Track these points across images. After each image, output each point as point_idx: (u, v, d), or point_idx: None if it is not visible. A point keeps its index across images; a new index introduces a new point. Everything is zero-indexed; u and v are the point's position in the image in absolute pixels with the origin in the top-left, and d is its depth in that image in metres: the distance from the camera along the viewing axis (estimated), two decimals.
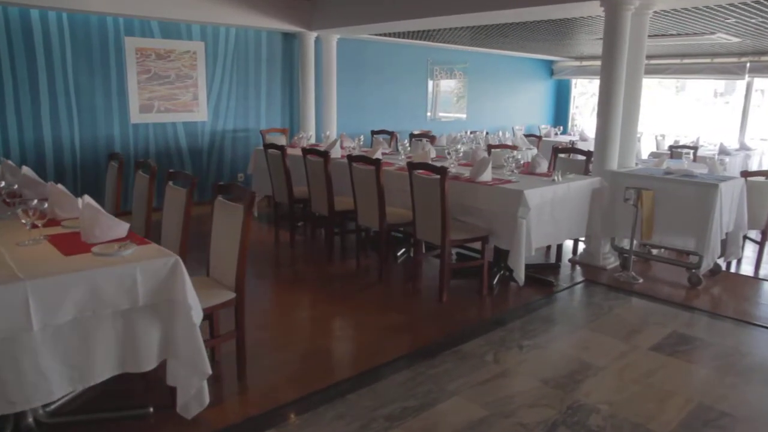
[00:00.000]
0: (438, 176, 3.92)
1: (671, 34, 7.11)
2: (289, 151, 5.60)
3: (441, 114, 10.63)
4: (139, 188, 4.06)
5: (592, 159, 5.10)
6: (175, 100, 7.00)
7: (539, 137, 9.17)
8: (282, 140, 7.47)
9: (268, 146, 5.50)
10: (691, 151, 7.44)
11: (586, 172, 5.24)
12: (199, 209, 7.27)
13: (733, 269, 5.16)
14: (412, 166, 4.16)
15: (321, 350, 3.42)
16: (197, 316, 2.40)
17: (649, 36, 7.40)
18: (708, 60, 9.56)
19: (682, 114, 17.11)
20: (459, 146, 5.22)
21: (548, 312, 4.01)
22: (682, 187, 4.53)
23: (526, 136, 9.56)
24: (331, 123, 8.18)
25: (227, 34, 7.31)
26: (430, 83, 10.05)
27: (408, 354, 3.33)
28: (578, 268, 5.04)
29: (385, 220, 4.46)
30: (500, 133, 8.48)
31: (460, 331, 3.64)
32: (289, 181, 5.35)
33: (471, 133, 9.05)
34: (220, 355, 3.23)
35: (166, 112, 6.95)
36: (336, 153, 5.72)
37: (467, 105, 10.77)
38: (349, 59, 8.66)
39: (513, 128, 11.13)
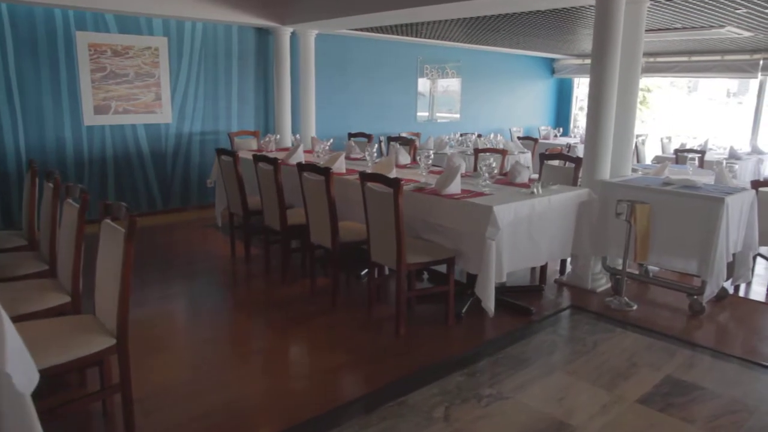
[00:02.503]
0: (391, 189, 3.35)
1: (675, 28, 6.48)
2: (242, 155, 5.06)
3: (439, 115, 10.06)
4: (45, 205, 3.52)
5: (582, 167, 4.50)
6: (135, 101, 6.47)
7: (535, 140, 8.56)
8: (253, 144, 6.93)
9: (220, 152, 4.95)
10: (698, 156, 6.79)
11: (575, 182, 4.64)
12: (157, 219, 6.84)
13: (742, 292, 4.53)
14: (364, 176, 3.59)
15: (239, 401, 2.85)
16: (26, 382, 1.84)
17: (651, 30, 6.81)
18: (718, 57, 8.89)
19: (694, 115, 16.40)
20: (430, 151, 4.63)
21: (521, 349, 3.42)
22: (683, 200, 3.92)
23: (523, 138, 8.96)
24: (309, 125, 7.63)
25: (193, 29, 6.78)
26: (420, 82, 9.47)
27: (342, 406, 2.76)
28: (565, 290, 4.44)
29: (337, 238, 3.90)
30: (492, 136, 7.88)
31: (410, 376, 3.06)
32: (243, 191, 4.80)
33: (461, 135, 8.46)
34: (113, 406, 2.68)
35: (125, 114, 6.43)
36: (297, 159, 5.16)
37: (461, 106, 10.17)
38: (330, 57, 8.11)
39: (510, 130, 10.52)
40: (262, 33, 7.39)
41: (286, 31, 7.22)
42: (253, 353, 3.42)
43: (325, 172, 3.77)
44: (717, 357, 3.38)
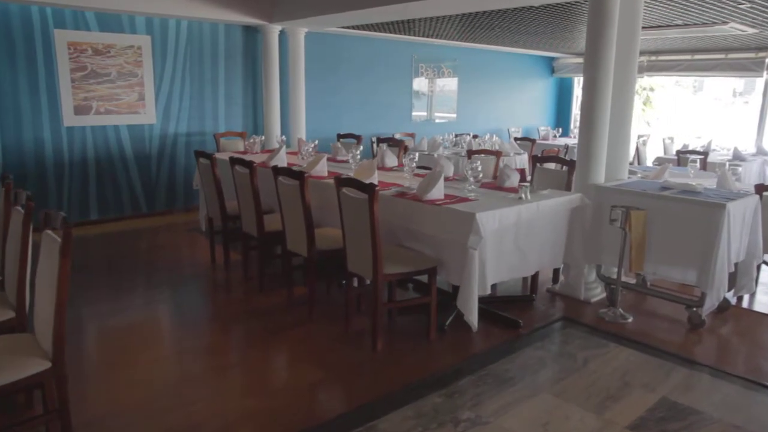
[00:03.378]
0: (366, 195, 3.13)
1: (676, 25, 6.23)
2: (219, 157, 4.85)
3: (437, 114, 9.84)
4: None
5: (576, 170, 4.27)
6: (117, 101, 6.28)
7: (533, 141, 8.32)
8: (240, 145, 6.72)
9: (198, 154, 4.74)
10: (700, 158, 6.54)
11: (568, 186, 4.41)
12: (141, 222, 6.64)
13: (745, 303, 4.28)
14: (339, 181, 3.37)
15: (201, 421, 2.64)
16: None
17: (650, 27, 6.56)
18: (722, 56, 8.63)
19: (699, 115, 16.10)
20: (416, 153, 4.41)
21: (506, 366, 3.19)
22: (681, 206, 3.68)
23: (520, 139, 8.72)
24: (299, 126, 7.42)
25: (178, 27, 6.58)
26: (416, 81, 9.24)
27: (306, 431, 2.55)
28: (557, 301, 4.21)
29: (314, 246, 3.68)
30: (487, 137, 7.64)
31: (384, 397, 2.84)
32: (221, 195, 4.60)
33: (456, 136, 8.24)
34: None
35: (107, 114, 6.23)
36: (279, 162, 4.95)
37: (457, 105, 9.94)
38: (321, 56, 7.90)
39: (508, 130, 10.28)
40: (250, 31, 7.19)
41: (275, 30, 7.01)
42: (221, 369, 3.20)
43: (300, 176, 3.56)
44: (717, 376, 3.14)
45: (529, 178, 4.71)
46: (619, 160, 4.35)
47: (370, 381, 3.04)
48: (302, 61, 7.33)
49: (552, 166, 4.92)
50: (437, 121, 9.79)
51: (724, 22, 5.87)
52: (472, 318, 3.22)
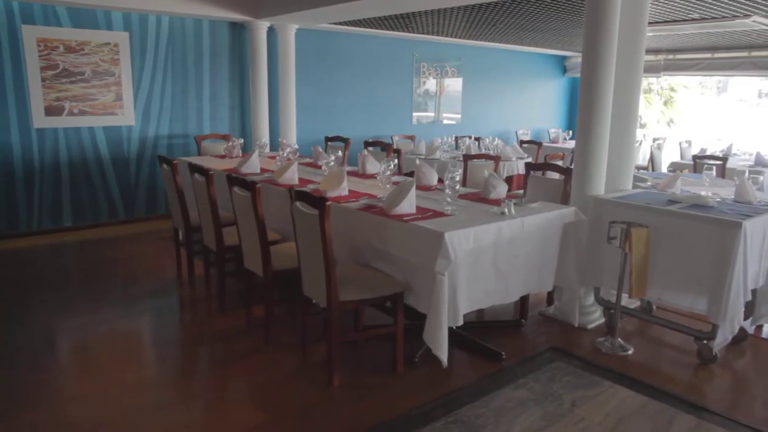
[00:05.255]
0: (316, 211, 2.71)
1: (693, 19, 5.70)
2: (181, 163, 4.48)
3: (445, 116, 9.40)
4: None
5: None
6: (92, 101, 5.95)
7: (539, 144, 7.82)
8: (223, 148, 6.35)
9: (161, 159, 4.37)
10: (717, 164, 6.00)
11: (565, 197, 3.94)
12: (118, 229, 6.30)
13: (765, 333, 3.77)
14: (295, 195, 2.95)
15: None
16: None
17: (665, 22, 6.04)
18: (745, 54, 8.04)
19: (722, 117, 15.39)
20: (394, 161, 3.97)
21: (479, 410, 2.74)
22: (690, 224, 3.20)
23: (527, 142, 8.24)
24: (290, 128, 7.04)
25: (158, 24, 6.23)
26: (420, 81, 8.80)
27: None
28: (550, 326, 3.75)
29: (270, 265, 3.27)
30: (488, 140, 7.17)
31: None
32: (183, 204, 4.22)
33: (458, 138, 7.79)
34: None
35: (81, 115, 5.91)
36: (251, 168, 4.56)
37: (462, 107, 9.47)
38: (314, 54, 7.51)
39: (516, 133, 9.80)
40: (237, 28, 6.82)
41: (262, 26, 6.64)
42: (154, 407, 2.80)
43: (251, 186, 3.15)
44: (729, 427, 2.65)
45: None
46: (622, 168, 3.87)
47: (319, 426, 2.62)
48: (292, 60, 6.95)
49: (555, 174, 4.45)
50: (445, 122, 9.35)
51: (746, 15, 5.33)
52: (441, 353, 2.78)
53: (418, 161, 4.14)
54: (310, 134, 7.41)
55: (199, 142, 6.20)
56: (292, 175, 4.06)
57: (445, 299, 2.72)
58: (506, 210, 3.11)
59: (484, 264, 2.95)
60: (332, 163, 4.09)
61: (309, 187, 3.87)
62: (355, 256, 3.33)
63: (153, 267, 4.94)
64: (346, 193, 3.62)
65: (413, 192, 3.14)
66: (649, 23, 6.19)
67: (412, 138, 8.18)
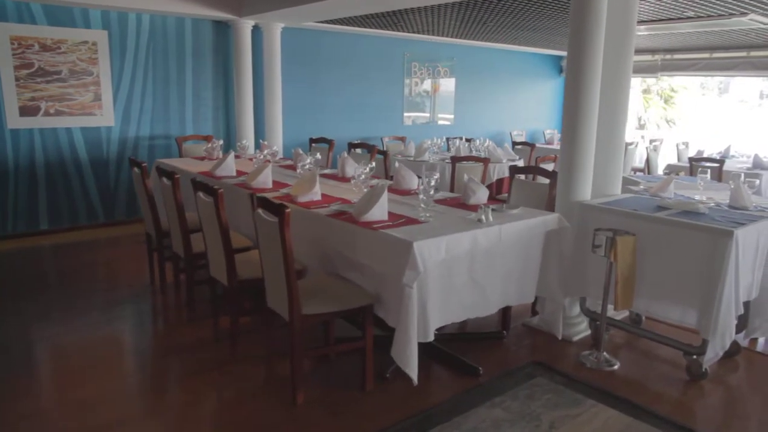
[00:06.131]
0: (276, 219, 2.53)
1: (688, 17, 5.52)
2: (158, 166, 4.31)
3: (440, 116, 9.23)
4: None
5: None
6: (69, 101, 5.78)
7: (532, 145, 7.64)
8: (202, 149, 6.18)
9: (131, 162, 4.20)
10: (713, 167, 5.82)
11: (549, 203, 3.76)
12: (98, 233, 6.12)
13: (760, 346, 3.58)
14: (257, 201, 2.77)
15: None
16: None
17: (660, 20, 5.86)
18: (744, 53, 7.85)
19: (723, 118, 15.20)
20: (369, 165, 3.79)
21: None
22: (679, 232, 3.01)
23: (520, 143, 8.07)
24: (276, 129, 6.87)
25: (138, 22, 6.06)
26: (414, 82, 8.63)
27: None
28: (533, 338, 3.57)
29: (235, 274, 3.10)
30: (479, 141, 6.98)
31: None
32: (154, 208, 4.05)
33: (448, 140, 7.61)
34: None
35: (58, 116, 5.74)
36: (226, 171, 4.39)
37: (455, 107, 9.29)
38: (302, 54, 7.34)
39: (511, 134, 9.62)
40: (221, 26, 6.65)
41: (246, 24, 6.47)
42: (116, 424, 2.62)
43: (213, 192, 2.98)
44: None
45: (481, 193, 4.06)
46: (610, 172, 3.70)
47: None
48: (278, 60, 6.78)
49: (546, 178, 4.27)
50: (440, 123, 9.18)
51: (743, 13, 5.15)
52: (410, 371, 2.60)
53: (397, 164, 3.96)
54: (298, 135, 7.23)
55: (181, 144, 6.02)
56: (265, 179, 3.89)
57: (414, 313, 2.54)
58: (483, 217, 2.93)
59: (458, 275, 2.77)
60: (308, 166, 3.92)
61: (282, 191, 3.70)
62: (325, 264, 3.16)
63: (128, 272, 4.77)
64: (318, 197, 3.44)
65: (385, 197, 2.96)
66: (644, 22, 6.04)
67: (402, 139, 8.00)
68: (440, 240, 2.64)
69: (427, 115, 9.06)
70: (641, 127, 15.30)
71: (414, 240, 2.53)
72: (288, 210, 2.47)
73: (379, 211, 2.92)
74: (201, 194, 3.18)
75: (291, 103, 7.19)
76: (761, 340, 3.55)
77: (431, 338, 2.66)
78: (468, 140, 7.50)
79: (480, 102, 9.59)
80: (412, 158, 6.60)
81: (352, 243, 2.87)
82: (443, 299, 2.72)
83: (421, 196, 3.06)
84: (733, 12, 5.17)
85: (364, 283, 2.91)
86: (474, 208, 3.26)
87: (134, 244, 5.55)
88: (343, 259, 3.02)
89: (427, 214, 3.03)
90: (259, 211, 2.73)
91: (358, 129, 8.07)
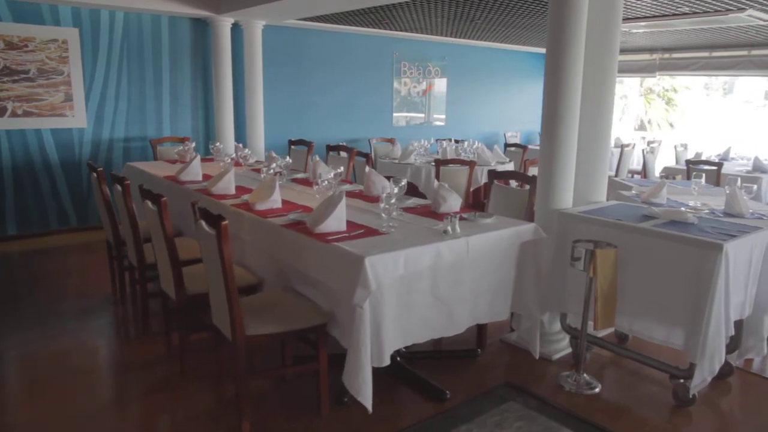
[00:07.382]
0: (214, 231, 2.29)
1: (682, 13, 5.25)
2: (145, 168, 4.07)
3: (435, 116, 8.99)
4: None
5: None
6: (38, 101, 5.56)
7: (524, 147, 7.39)
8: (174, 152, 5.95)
9: (90, 167, 3.97)
10: (711, 170, 5.56)
11: (529, 211, 3.51)
12: (69, 238, 5.90)
13: (755, 367, 3.32)
14: (198, 211, 2.53)
15: None
16: None
17: (654, 17, 5.60)
18: (744, 52, 7.58)
19: (726, 119, 14.92)
20: (336, 171, 3.54)
21: None
22: (665, 244, 2.76)
23: (511, 145, 7.82)
24: (257, 131, 6.64)
25: (112, 19, 5.84)
26: (408, 81, 8.39)
27: None
28: (510, 356, 3.32)
29: (183, 288, 2.86)
30: (467, 143, 6.72)
31: None
32: (112, 215, 3.82)
33: (437, 141, 7.36)
34: None
35: (26, 117, 5.52)
36: (192, 176, 4.16)
37: (446, 108, 9.04)
38: (285, 53, 7.11)
39: (504, 135, 9.37)
40: (199, 24, 6.42)
41: (226, 22, 6.24)
42: None
43: (157, 199, 2.74)
44: None
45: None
46: (595, 177, 3.44)
47: None
48: (259, 58, 6.55)
49: (507, 183, 4.03)
50: (435, 123, 8.93)
51: (741, 9, 4.89)
52: (363, 398, 2.35)
53: (367, 169, 3.71)
54: (283, 137, 6.97)
55: (155, 146, 5.80)
56: (227, 185, 3.65)
57: (366, 335, 2.30)
58: (449, 228, 2.68)
59: (419, 292, 2.53)
60: (272, 171, 3.68)
61: (243, 198, 3.46)
62: (281, 278, 2.92)
63: (93, 281, 4.54)
64: (278, 205, 3.21)
65: (342, 206, 2.71)
66: (637, 18, 5.79)
67: (391, 141, 7.76)
68: (398, 254, 2.40)
69: (422, 115, 8.82)
70: (642, 128, 15.01)
71: (366, 255, 2.29)
72: (225, 222, 2.23)
73: (335, 222, 2.68)
74: (147, 202, 2.95)
75: (275, 104, 6.96)
76: (757, 360, 3.29)
77: (386, 362, 2.41)
78: (457, 142, 7.25)
79: (473, 103, 9.34)
80: (397, 161, 6.36)
81: (304, 256, 2.63)
82: (402, 319, 2.47)
83: (382, 205, 2.81)
84: (731, 8, 4.91)
85: (320, 300, 2.66)
86: (443, 216, 3.01)
87: (102, 251, 5.31)
88: (298, 273, 2.78)
89: (390, 224, 2.79)
90: (201, 222, 2.49)
91: (346, 130, 7.84)
